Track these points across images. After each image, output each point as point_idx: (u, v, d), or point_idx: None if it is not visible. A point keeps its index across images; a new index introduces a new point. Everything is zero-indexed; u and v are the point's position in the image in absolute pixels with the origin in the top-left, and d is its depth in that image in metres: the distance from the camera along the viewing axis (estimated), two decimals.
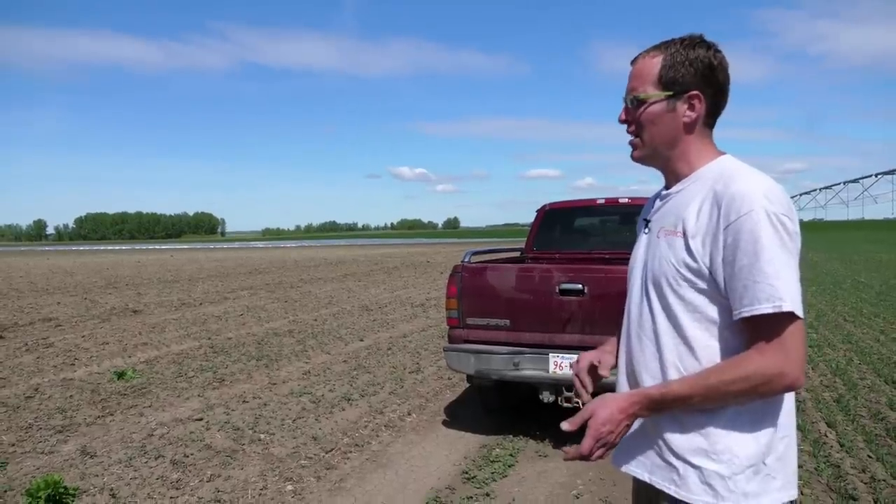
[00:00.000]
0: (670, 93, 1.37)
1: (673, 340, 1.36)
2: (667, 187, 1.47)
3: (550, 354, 4.36)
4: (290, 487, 3.88)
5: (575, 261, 5.46)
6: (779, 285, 1.21)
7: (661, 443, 1.37)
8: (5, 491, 3.81)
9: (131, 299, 14.66)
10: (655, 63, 1.39)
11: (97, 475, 4.07)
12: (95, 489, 3.85)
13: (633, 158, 1.46)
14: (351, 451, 4.50)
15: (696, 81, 1.37)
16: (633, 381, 1.45)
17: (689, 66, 1.37)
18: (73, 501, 3.65)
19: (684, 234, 1.33)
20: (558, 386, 4.39)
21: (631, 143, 1.45)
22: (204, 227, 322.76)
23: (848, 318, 9.63)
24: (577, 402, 4.34)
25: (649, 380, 1.39)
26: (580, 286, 4.31)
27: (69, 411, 5.48)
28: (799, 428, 4.60)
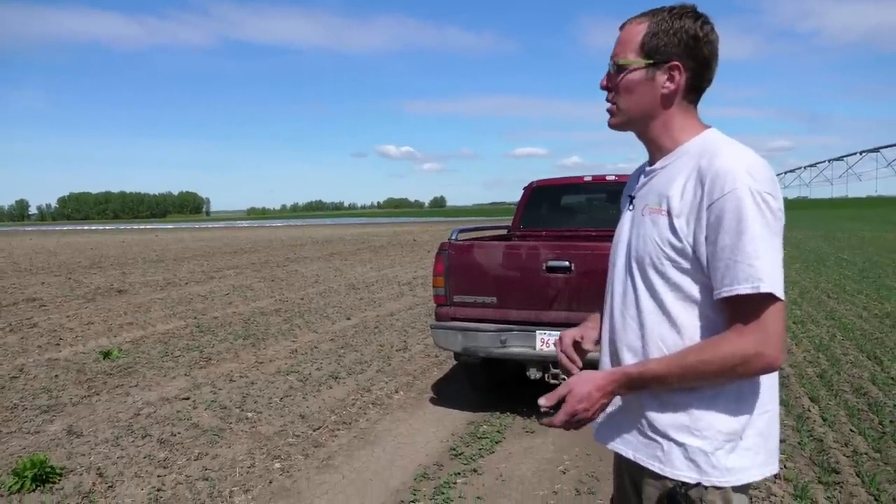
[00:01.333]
0: (650, 61, 1.33)
1: (656, 319, 1.34)
2: (651, 163, 1.44)
3: (537, 331, 4.38)
4: (277, 465, 3.89)
5: (562, 238, 5.47)
6: (759, 265, 1.20)
7: (644, 420, 1.36)
8: None
9: (116, 279, 14.54)
10: (640, 30, 1.35)
11: (84, 454, 4.05)
12: (82, 468, 3.84)
13: (610, 125, 1.43)
14: (339, 429, 4.51)
15: (678, 52, 1.32)
16: (616, 358, 1.44)
17: (672, 36, 1.32)
18: (59, 481, 3.64)
19: (668, 212, 1.30)
20: (545, 363, 4.42)
21: (608, 109, 1.42)
22: (189, 206, 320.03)
23: (831, 294, 9.75)
24: (564, 379, 4.36)
25: (631, 357, 1.38)
26: (567, 263, 4.31)
27: (55, 391, 5.45)
28: (782, 403, 4.66)
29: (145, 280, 14.24)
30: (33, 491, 3.50)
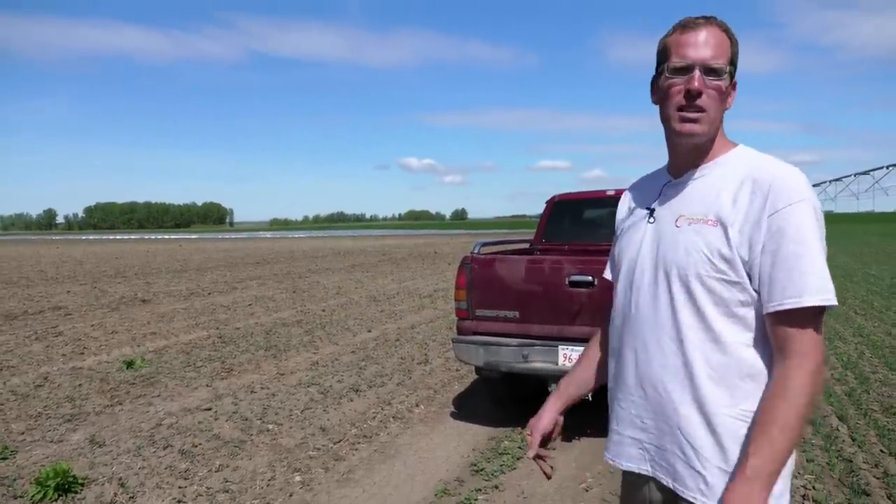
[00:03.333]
0: (734, 74, 1.33)
1: (698, 336, 1.28)
2: (675, 174, 1.40)
3: (560, 347, 4.33)
4: (298, 478, 3.88)
5: (585, 252, 5.42)
6: (824, 276, 1.19)
7: (689, 451, 1.30)
8: (15, 479, 3.82)
9: (140, 288, 14.72)
10: (725, 39, 1.31)
11: (105, 464, 4.07)
12: (104, 478, 3.85)
13: (696, 133, 1.31)
14: (359, 443, 4.49)
15: (736, 69, 1.33)
16: (651, 386, 1.36)
17: (738, 53, 1.33)
18: (81, 490, 3.65)
19: (720, 221, 1.26)
20: None
21: (695, 117, 1.30)
22: (212, 216, 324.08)
23: (859, 311, 9.55)
24: (587, 395, 4.30)
25: (672, 380, 1.31)
26: (590, 278, 4.26)
27: (78, 400, 5.50)
28: (809, 422, 4.55)
29: (169, 290, 14.40)
30: (56, 500, 3.52)
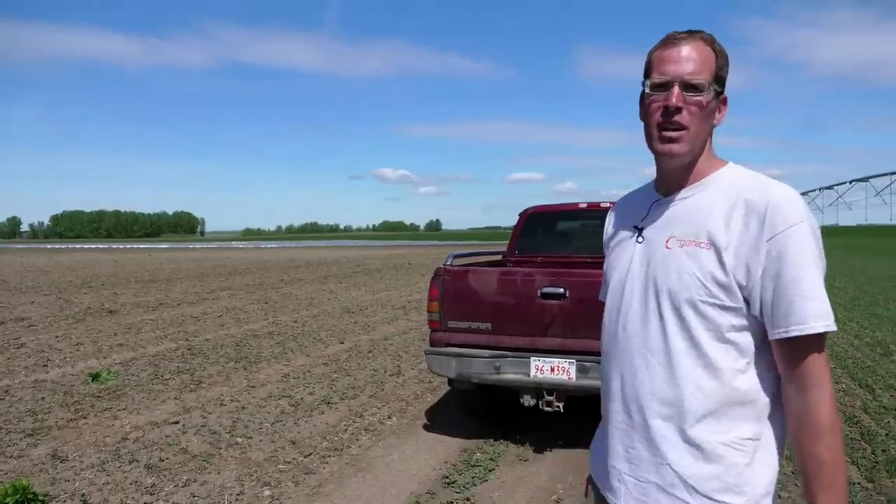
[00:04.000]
0: (720, 90, 1.28)
1: (691, 363, 1.24)
2: (662, 192, 1.35)
3: (532, 358, 4.34)
4: (267, 493, 3.82)
5: (557, 264, 5.46)
6: (826, 302, 1.17)
7: (674, 480, 1.26)
8: None
9: (107, 299, 14.42)
10: (710, 54, 1.27)
11: (68, 480, 3.97)
12: (66, 495, 3.75)
13: (674, 153, 1.27)
14: (330, 456, 4.44)
15: (725, 84, 1.30)
16: (637, 409, 1.30)
17: (726, 66, 1.29)
18: None
19: (713, 245, 1.21)
20: (539, 389, 4.37)
21: (674, 136, 1.26)
22: (183, 226, 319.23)
23: None
24: (559, 407, 4.33)
25: (658, 406, 1.26)
26: (562, 290, 4.30)
27: (40, 414, 5.36)
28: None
29: (137, 300, 14.13)
30: None
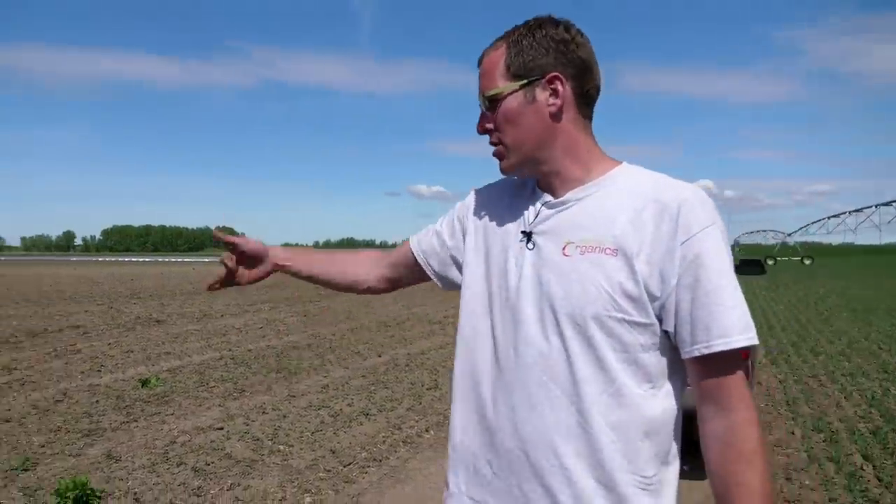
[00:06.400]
0: (524, 81, 1.13)
1: (596, 389, 1.07)
2: (548, 192, 1.19)
3: None
4: (308, 499, 3.95)
5: None
6: (747, 312, 1.05)
7: None
8: (36, 490, 3.93)
9: (155, 309, 14.90)
10: (499, 54, 1.15)
11: (121, 479, 4.17)
12: (120, 492, 3.95)
13: (503, 171, 1.20)
14: (369, 466, 4.55)
15: (552, 62, 1.12)
16: (537, 450, 1.10)
17: (538, 48, 1.12)
18: (98, 503, 3.75)
19: (620, 251, 1.06)
20: None
21: (496, 153, 1.19)
22: None
23: (883, 345, 9.46)
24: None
25: (564, 443, 1.09)
26: None
27: (95, 416, 5.62)
28: (832, 460, 4.56)
29: (182, 311, 14.57)
30: None
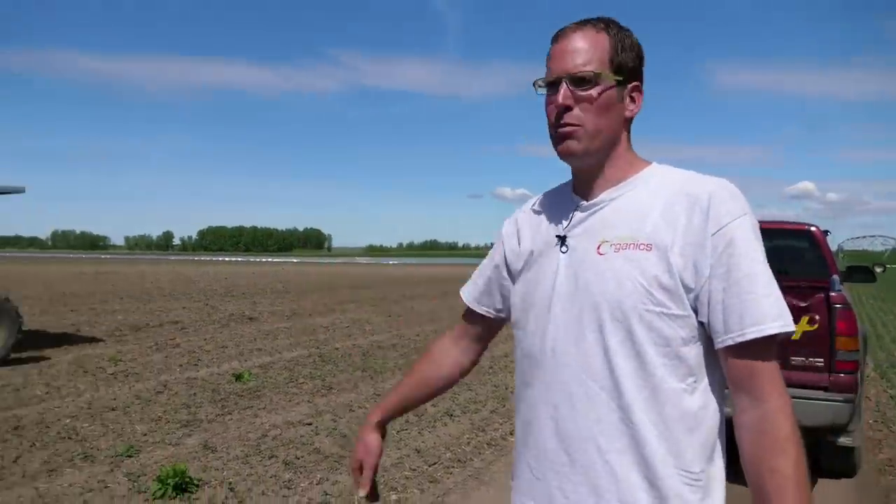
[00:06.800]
0: (620, 78, 1.14)
1: (637, 383, 1.08)
2: (583, 196, 1.20)
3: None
4: (394, 497, 3.96)
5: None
6: (781, 299, 1.05)
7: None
8: (139, 476, 4.13)
9: (247, 307, 15.53)
10: (602, 40, 1.14)
11: (217, 469, 4.33)
12: (216, 482, 4.09)
13: (569, 153, 1.16)
14: (454, 467, 4.53)
15: (637, 71, 1.17)
16: (580, 449, 1.11)
17: (630, 53, 1.15)
18: (196, 491, 3.90)
19: (654, 245, 1.07)
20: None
21: (569, 132, 1.14)
22: (312, 242, 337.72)
23: None
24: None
25: (607, 441, 1.09)
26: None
27: (193, 407, 5.88)
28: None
29: (273, 309, 15.11)
30: (174, 498, 3.78)
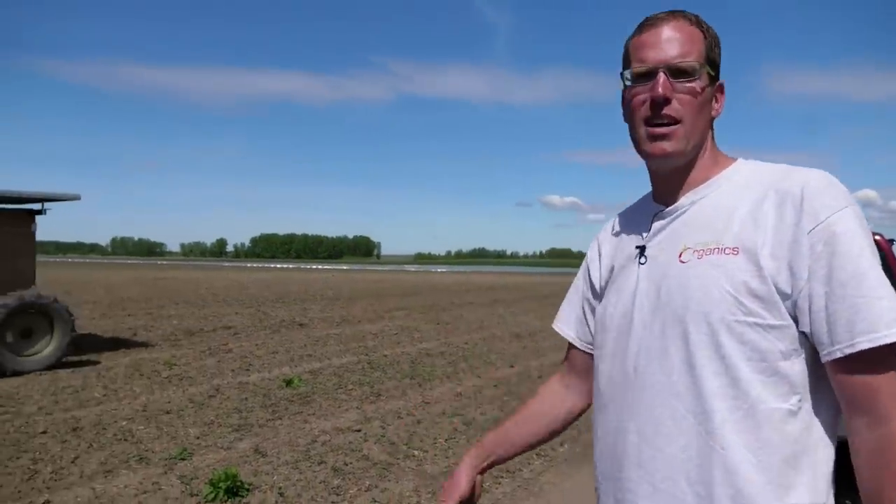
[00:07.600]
0: (713, 74, 1.07)
1: (728, 405, 0.95)
2: (663, 202, 1.12)
3: None
4: None
5: None
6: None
7: None
8: (192, 479, 4.19)
9: (298, 313, 15.76)
10: (697, 34, 1.06)
11: (267, 473, 4.36)
12: (266, 486, 4.12)
13: (663, 154, 1.05)
14: (502, 477, 4.45)
15: (719, 68, 1.09)
16: (666, 478, 1.00)
17: (717, 51, 1.08)
18: (247, 495, 3.93)
19: (742, 248, 0.96)
20: None
21: (667, 132, 1.04)
22: (361, 249, 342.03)
23: None
24: None
25: (696, 470, 0.97)
26: None
27: (244, 412, 5.96)
28: None
29: (323, 316, 15.29)
30: (225, 502, 3.81)
